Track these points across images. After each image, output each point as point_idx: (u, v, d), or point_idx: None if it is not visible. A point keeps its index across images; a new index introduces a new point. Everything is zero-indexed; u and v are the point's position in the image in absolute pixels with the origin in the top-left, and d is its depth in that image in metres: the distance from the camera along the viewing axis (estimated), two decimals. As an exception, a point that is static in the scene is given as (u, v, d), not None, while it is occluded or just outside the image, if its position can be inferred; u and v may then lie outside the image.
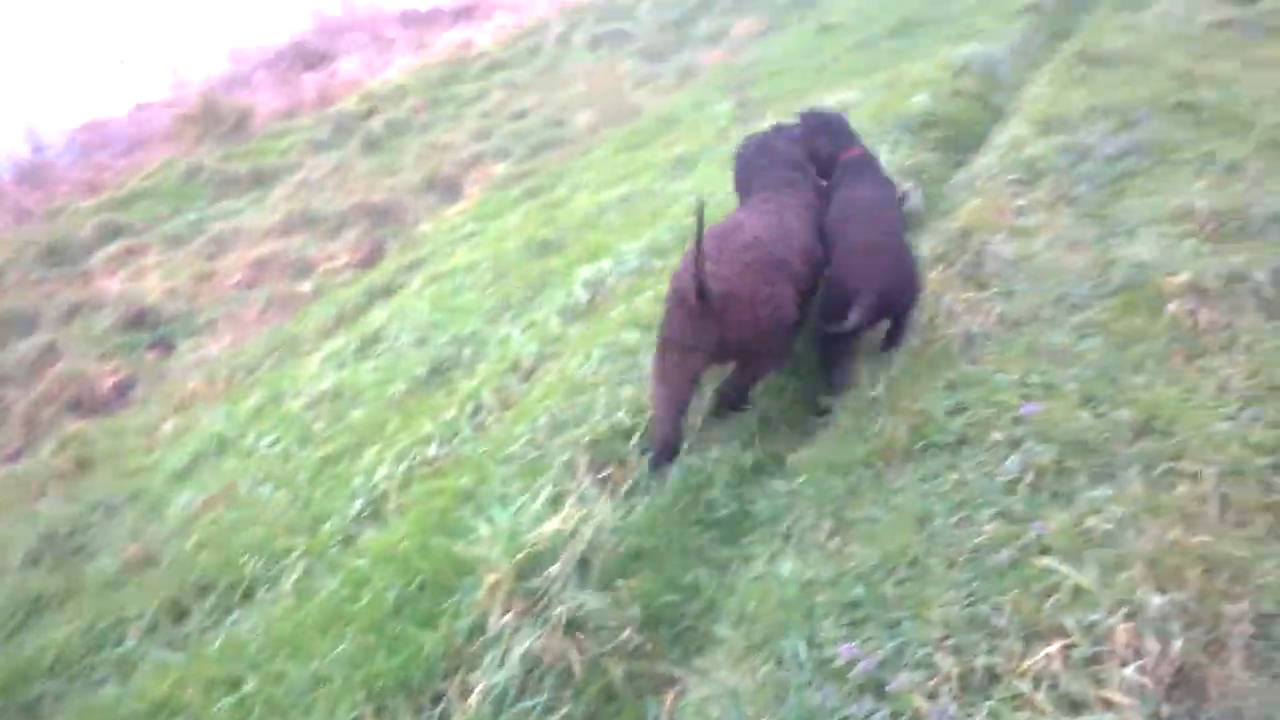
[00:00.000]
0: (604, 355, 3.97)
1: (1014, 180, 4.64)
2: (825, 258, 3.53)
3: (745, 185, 4.02)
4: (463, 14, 22.70)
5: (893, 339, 3.54)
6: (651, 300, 4.27)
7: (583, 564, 2.83)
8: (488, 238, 8.04)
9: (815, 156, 4.02)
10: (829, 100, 6.81)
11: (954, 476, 2.78)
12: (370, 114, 15.03)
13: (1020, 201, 4.43)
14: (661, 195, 6.71)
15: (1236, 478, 2.52)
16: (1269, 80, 5.69)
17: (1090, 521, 2.45)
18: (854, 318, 3.18)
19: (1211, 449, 2.60)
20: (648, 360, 3.49)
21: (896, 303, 3.40)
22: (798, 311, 3.35)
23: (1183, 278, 3.35)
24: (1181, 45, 6.54)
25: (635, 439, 3.36)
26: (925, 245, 4.20)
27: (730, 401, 3.48)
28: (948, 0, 9.95)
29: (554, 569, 2.75)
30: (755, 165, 4.00)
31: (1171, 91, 5.49)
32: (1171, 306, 3.26)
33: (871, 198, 3.70)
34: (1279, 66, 6.10)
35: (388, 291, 7.59)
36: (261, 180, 13.04)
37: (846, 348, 3.48)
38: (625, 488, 3.19)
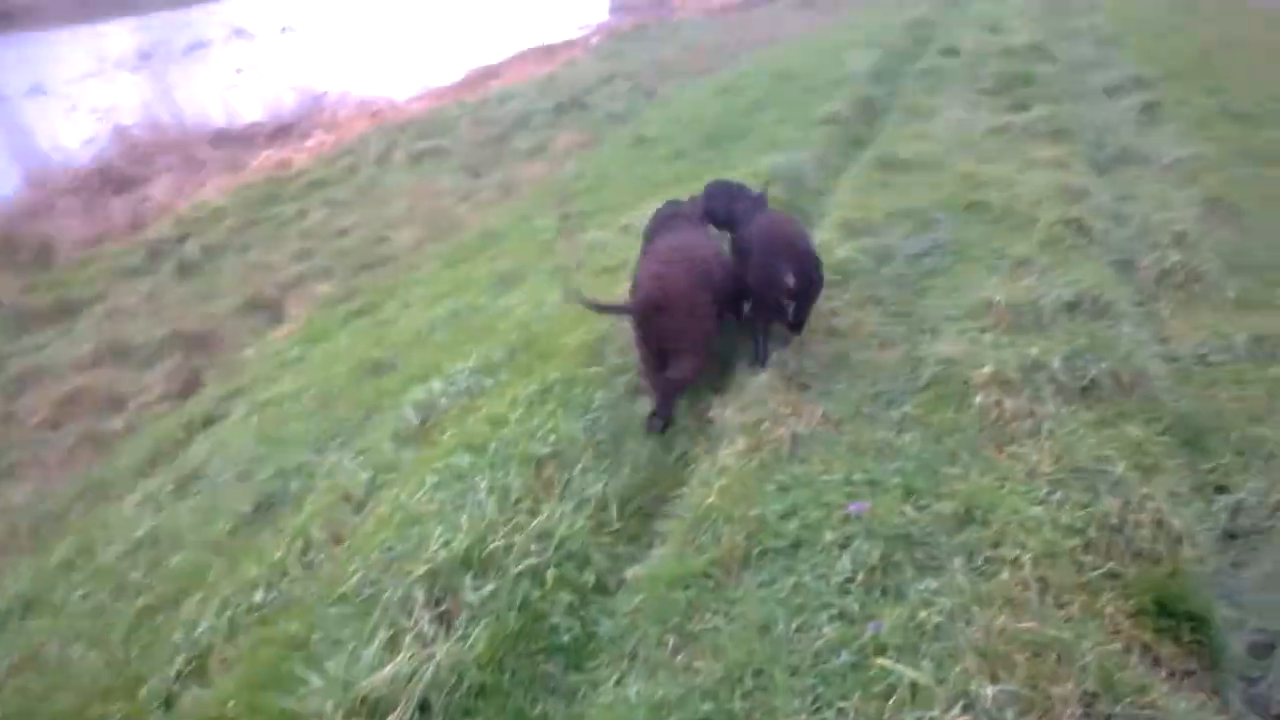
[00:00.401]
0: (437, 481, 3.86)
1: (826, 284, 4.86)
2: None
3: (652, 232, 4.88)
4: (278, 134, 22.42)
5: (797, 324, 4.19)
6: (483, 420, 4.21)
7: (423, 708, 2.70)
8: (315, 361, 7.80)
9: (713, 214, 5.00)
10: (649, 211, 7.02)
11: (791, 580, 2.81)
12: (184, 238, 14.48)
13: (834, 304, 4.64)
14: (489, 310, 6.69)
15: (1051, 560, 2.65)
16: (1043, 179, 6.22)
17: (922, 614, 2.52)
18: (789, 281, 3.87)
19: (1026, 534, 2.74)
20: (482, 484, 3.44)
21: (811, 285, 4.07)
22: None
23: (987, 370, 3.56)
24: (966, 150, 7.09)
25: (472, 570, 3.26)
26: (746, 350, 4.33)
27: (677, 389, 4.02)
28: (754, 112, 10.50)
29: (393, 716, 2.61)
30: (665, 217, 4.91)
31: (962, 193, 5.92)
32: (979, 398, 3.45)
33: (778, 217, 4.49)
34: (1050, 166, 6.69)
35: (207, 424, 7.21)
36: (67, 312, 12.28)
37: (766, 326, 4.25)
38: (463, 619, 3.07)
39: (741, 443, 3.52)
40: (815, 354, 4.16)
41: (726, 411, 3.80)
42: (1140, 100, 8.74)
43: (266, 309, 11.35)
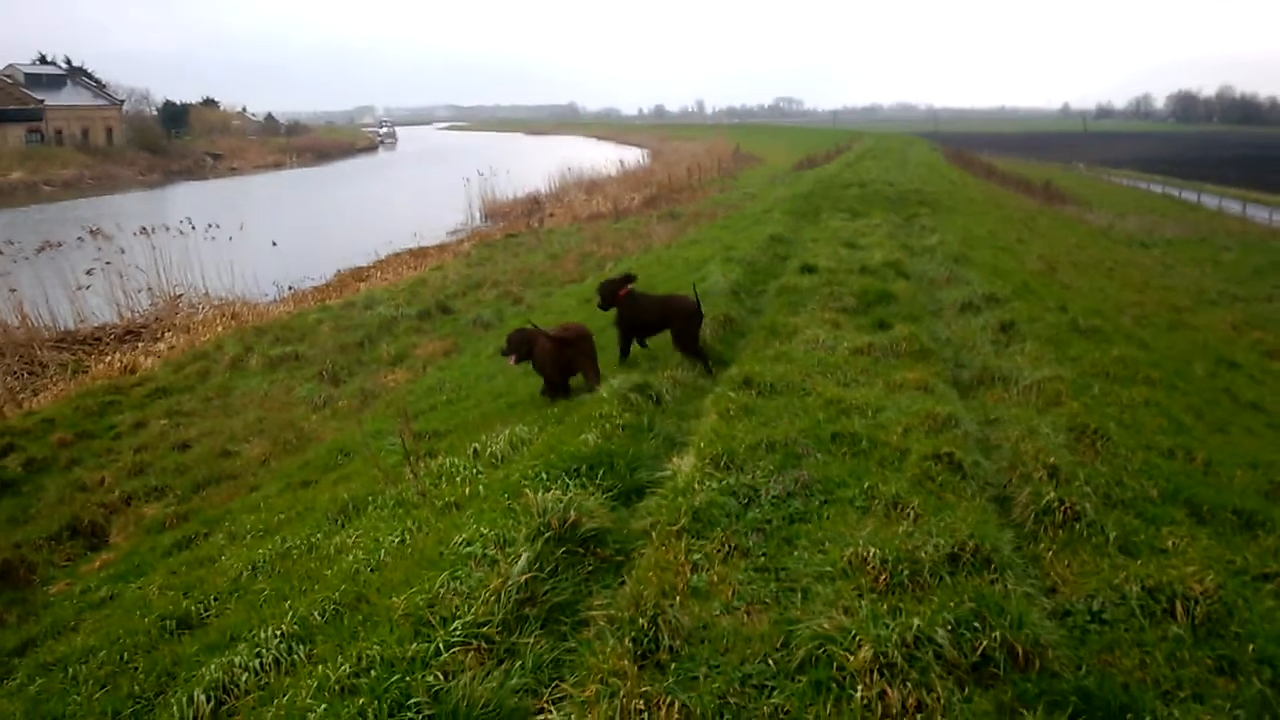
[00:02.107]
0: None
1: (685, 530, 4.40)
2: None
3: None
4: (129, 336, 21.41)
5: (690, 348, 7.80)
6: (281, 716, 3.49)
7: None
8: (121, 606, 6.86)
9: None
10: (502, 438, 6.55)
11: None
12: (6, 451, 13.24)
13: (695, 555, 4.16)
14: (321, 551, 5.99)
15: None
16: (910, 406, 6.03)
17: None
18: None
19: None
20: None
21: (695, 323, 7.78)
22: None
23: (865, 653, 3.09)
24: (829, 373, 6.91)
25: None
26: (596, 609, 3.78)
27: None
28: (615, 327, 10.31)
29: None
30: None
31: (827, 421, 5.65)
32: (859, 690, 2.96)
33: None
34: (914, 389, 6.54)
35: (-18, 689, 6.15)
36: None
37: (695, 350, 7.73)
38: None
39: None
40: (675, 621, 3.62)
41: (559, 715, 3.19)
42: (995, 319, 8.88)
43: (86, 535, 10.25)
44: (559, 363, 7.59)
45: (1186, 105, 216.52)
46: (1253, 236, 30.79)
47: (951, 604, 3.44)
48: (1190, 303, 16.79)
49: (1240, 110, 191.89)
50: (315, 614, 4.64)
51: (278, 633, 4.53)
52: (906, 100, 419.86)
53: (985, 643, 3.27)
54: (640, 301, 8.08)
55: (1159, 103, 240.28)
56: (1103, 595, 3.92)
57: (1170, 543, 4.41)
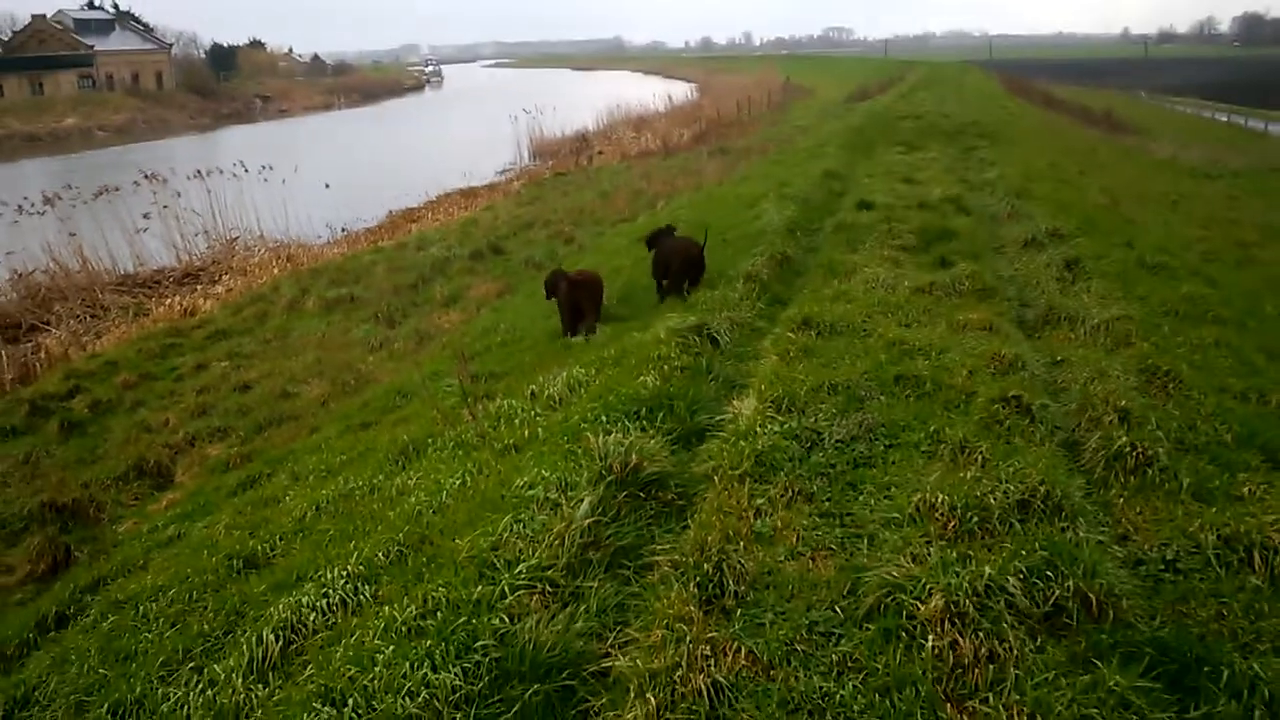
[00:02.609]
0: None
1: (747, 475, 4.36)
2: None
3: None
4: (187, 279, 21.72)
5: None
6: (349, 658, 3.54)
7: None
8: (189, 545, 7.02)
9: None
10: (560, 379, 6.54)
11: None
12: (73, 393, 13.56)
13: (758, 500, 4.13)
14: (383, 491, 6.07)
15: None
16: (975, 347, 5.90)
17: None
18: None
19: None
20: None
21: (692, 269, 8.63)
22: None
23: (936, 601, 3.04)
24: (890, 312, 6.79)
25: None
26: (660, 554, 3.78)
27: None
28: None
29: None
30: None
31: (890, 363, 5.55)
32: (930, 640, 2.92)
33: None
34: (978, 330, 6.41)
35: (59, 624, 6.36)
36: (-69, 478, 11.25)
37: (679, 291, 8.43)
38: None
39: (651, 701, 2.92)
40: (739, 567, 3.61)
41: (625, 659, 3.19)
42: (1059, 255, 8.65)
43: (152, 475, 10.50)
44: (571, 302, 8.74)
45: (1253, 27, 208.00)
46: (1326, 166, 29.60)
47: (1023, 552, 3.37)
48: (1258, 238, 16.22)
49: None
50: (380, 555, 4.69)
51: (343, 573, 4.59)
52: (960, 27, 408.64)
53: (1058, 592, 3.21)
54: (664, 244, 8.99)
55: (1223, 26, 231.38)
56: (1177, 544, 3.82)
57: (1246, 489, 4.29)
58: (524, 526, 4.15)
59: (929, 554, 3.43)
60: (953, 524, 3.66)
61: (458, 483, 5.44)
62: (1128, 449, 4.50)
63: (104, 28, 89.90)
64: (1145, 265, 8.89)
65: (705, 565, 3.65)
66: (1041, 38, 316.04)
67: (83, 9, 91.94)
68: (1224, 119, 51.27)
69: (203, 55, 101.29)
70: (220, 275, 21.40)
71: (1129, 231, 11.41)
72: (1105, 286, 7.69)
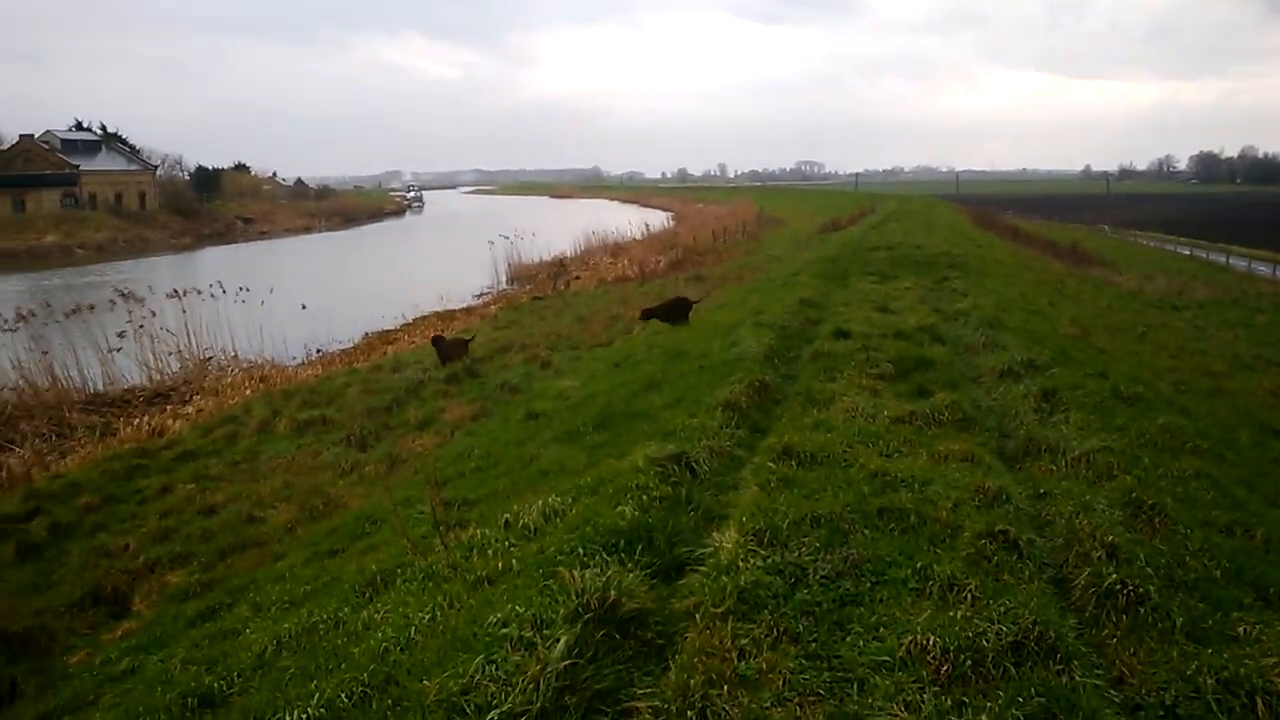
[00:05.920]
0: None
1: (730, 613, 4.21)
2: None
3: None
4: (157, 398, 21.49)
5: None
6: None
7: None
8: (142, 680, 6.69)
9: None
10: (535, 508, 6.38)
11: None
12: (32, 515, 13.19)
13: (742, 640, 3.97)
14: (347, 628, 5.81)
15: None
16: (958, 478, 5.83)
17: None
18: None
19: None
20: None
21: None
22: None
23: (934, 758, 2.88)
24: (870, 442, 6.73)
25: None
26: (641, 699, 3.59)
27: None
28: (646, 392, 10.18)
29: None
30: None
31: (873, 495, 5.46)
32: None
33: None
34: (961, 461, 6.35)
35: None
36: (-124, 605, 10.77)
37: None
38: None
39: None
40: (724, 713, 3.43)
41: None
42: (1035, 386, 8.68)
43: (109, 603, 10.11)
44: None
45: (1209, 165, 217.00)
46: (1286, 299, 30.39)
47: (1019, 699, 3.24)
48: (1226, 367, 16.48)
49: (1263, 170, 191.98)
50: (343, 696, 4.45)
51: (303, 716, 4.35)
52: (928, 163, 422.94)
53: (1060, 744, 3.06)
54: None
55: (1181, 164, 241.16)
56: (1175, 688, 3.68)
57: (1241, 629, 4.17)
58: (496, 668, 3.95)
59: (923, 701, 3.28)
60: (945, 668, 3.51)
61: (427, 618, 5.22)
62: (1118, 586, 4.39)
63: (91, 148, 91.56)
64: (1120, 396, 8.92)
65: (688, 712, 3.48)
66: (1006, 173, 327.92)
67: (70, 130, 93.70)
68: (1186, 252, 52.83)
69: (187, 177, 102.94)
70: (191, 395, 21.22)
71: (1101, 362, 11.52)
72: (1083, 417, 7.68)
